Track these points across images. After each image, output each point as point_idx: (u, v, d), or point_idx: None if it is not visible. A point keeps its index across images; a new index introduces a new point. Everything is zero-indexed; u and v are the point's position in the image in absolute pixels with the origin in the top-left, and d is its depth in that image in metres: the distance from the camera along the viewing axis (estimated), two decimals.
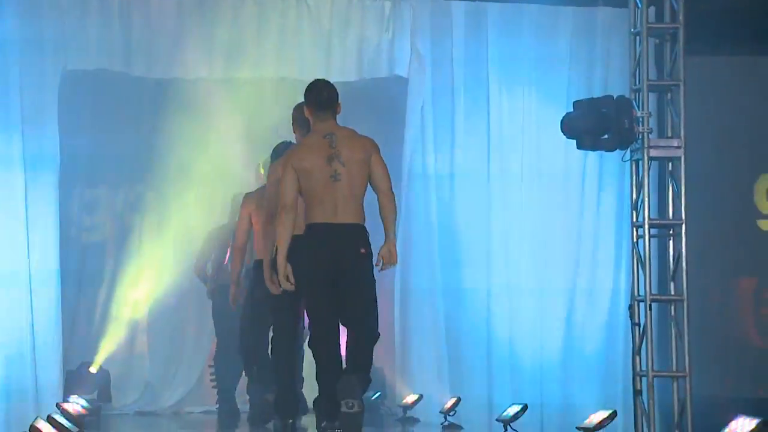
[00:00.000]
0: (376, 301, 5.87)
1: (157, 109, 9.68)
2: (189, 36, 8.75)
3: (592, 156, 8.36)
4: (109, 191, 9.96)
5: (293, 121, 6.69)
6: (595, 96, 7.90)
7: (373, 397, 9.35)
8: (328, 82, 6.01)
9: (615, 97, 7.60)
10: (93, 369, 9.06)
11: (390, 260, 5.80)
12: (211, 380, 8.81)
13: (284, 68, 8.99)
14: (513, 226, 8.60)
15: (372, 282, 5.87)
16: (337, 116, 5.86)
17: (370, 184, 5.86)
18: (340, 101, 5.96)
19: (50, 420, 4.95)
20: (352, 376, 5.72)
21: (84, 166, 9.59)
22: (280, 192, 5.94)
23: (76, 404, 7.16)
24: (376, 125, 10.21)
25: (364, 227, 5.88)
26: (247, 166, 9.39)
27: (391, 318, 8.76)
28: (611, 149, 7.66)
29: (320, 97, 5.95)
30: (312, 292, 5.87)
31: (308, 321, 6.12)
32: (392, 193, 5.87)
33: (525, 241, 8.57)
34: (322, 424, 5.99)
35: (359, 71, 8.94)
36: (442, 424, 7.45)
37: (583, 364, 8.37)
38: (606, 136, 7.57)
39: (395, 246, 5.81)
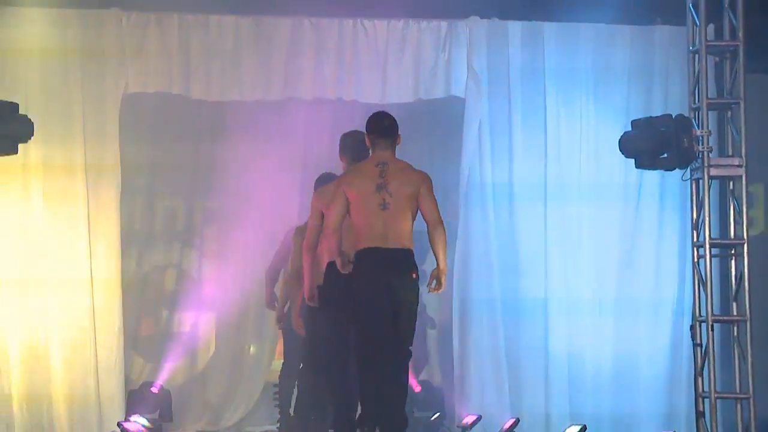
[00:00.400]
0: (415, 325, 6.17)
1: (215, 131, 9.76)
2: (247, 59, 8.80)
3: (653, 173, 8.25)
4: (169, 212, 10.02)
5: (340, 149, 6.86)
6: (653, 114, 7.85)
7: (432, 418, 9.33)
8: (390, 114, 6.30)
9: (674, 116, 7.54)
10: (155, 389, 9.12)
11: (438, 286, 6.12)
12: (274, 398, 8.80)
13: (341, 90, 9.01)
14: (571, 242, 8.50)
15: (417, 307, 6.16)
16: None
17: (422, 215, 6.14)
18: (399, 134, 6.25)
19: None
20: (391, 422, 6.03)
21: (144, 184, 9.68)
22: (328, 215, 6.21)
23: (137, 423, 7.19)
24: (433, 146, 10.24)
25: (412, 252, 6.15)
26: (304, 188, 9.45)
27: (450, 336, 8.73)
28: (671, 168, 7.60)
29: (381, 124, 6.26)
30: (363, 314, 6.09)
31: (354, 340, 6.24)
32: (441, 224, 6.15)
33: (584, 255, 8.46)
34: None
35: (416, 92, 8.94)
36: None
37: (645, 384, 8.21)
38: (665, 155, 7.51)
39: (445, 273, 6.11)
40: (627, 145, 7.68)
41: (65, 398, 8.18)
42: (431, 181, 6.26)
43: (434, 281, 6.12)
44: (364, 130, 6.41)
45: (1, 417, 7.75)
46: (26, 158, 8.09)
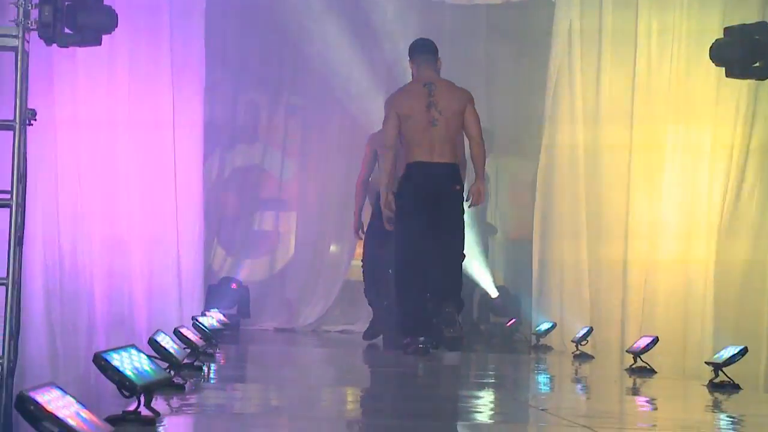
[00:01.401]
0: (464, 231, 6.83)
1: (300, 23, 9.70)
2: None
3: (746, 85, 7.95)
4: (252, 107, 10.03)
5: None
6: (748, 23, 7.56)
7: (508, 324, 9.33)
8: (430, 39, 6.99)
9: None
10: (234, 284, 9.23)
11: (478, 198, 6.78)
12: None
13: None
14: (656, 160, 8.27)
15: (461, 214, 6.80)
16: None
17: (464, 131, 6.80)
18: (440, 57, 6.93)
19: (176, 333, 5.03)
20: (449, 303, 6.61)
21: (230, 77, 9.67)
22: (384, 133, 6.91)
23: (212, 318, 7.28)
24: (521, 49, 10.08)
25: (458, 167, 6.82)
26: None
27: (529, 247, 8.66)
28: (763, 77, 7.32)
29: (425, 47, 6.94)
30: (409, 220, 6.73)
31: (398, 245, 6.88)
32: (482, 140, 6.79)
33: (667, 176, 8.23)
34: (406, 341, 6.79)
35: None
36: (573, 353, 7.36)
37: (724, 300, 8.00)
38: (758, 64, 7.24)
39: (484, 185, 6.79)
40: (718, 53, 7.41)
41: (145, 291, 8.27)
42: (473, 99, 6.86)
43: (471, 196, 6.76)
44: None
45: (82, 311, 7.86)
46: (111, 50, 8.08)
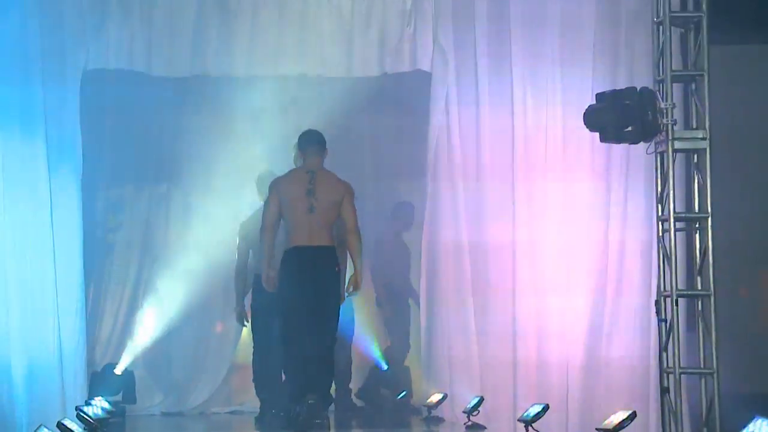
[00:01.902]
0: (338, 312, 7.33)
1: (179, 107, 9.63)
2: (209, 34, 8.64)
3: (619, 148, 8.08)
4: (132, 190, 9.91)
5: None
6: (620, 87, 7.69)
7: (399, 397, 9.24)
8: (319, 132, 7.54)
9: (639, 89, 7.38)
10: (117, 370, 8.99)
11: (357, 287, 7.29)
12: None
13: (305, 64, 8.86)
14: (538, 219, 8.31)
15: (338, 295, 7.35)
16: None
17: (342, 221, 7.29)
18: (327, 148, 7.48)
19: (59, 426, 4.83)
20: (313, 395, 7.09)
21: (107, 165, 9.58)
22: (265, 213, 7.33)
23: (97, 406, 7.05)
24: (398, 120, 10.11)
25: (335, 249, 7.30)
26: (270, 163, 9.33)
27: (417, 315, 8.60)
28: (635, 141, 7.45)
29: (313, 139, 7.47)
30: (289, 302, 7.18)
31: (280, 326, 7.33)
32: (358, 231, 7.31)
33: (550, 236, 8.27)
34: (296, 408, 7.15)
35: (381, 66, 8.79)
36: (465, 423, 7.29)
37: (612, 363, 8.02)
38: (630, 129, 7.37)
39: (361, 276, 7.29)
40: (591, 118, 7.53)
41: (26, 380, 7.98)
42: (353, 191, 7.39)
43: (351, 285, 7.26)
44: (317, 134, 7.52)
45: None
46: None
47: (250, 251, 8.57)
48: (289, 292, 7.19)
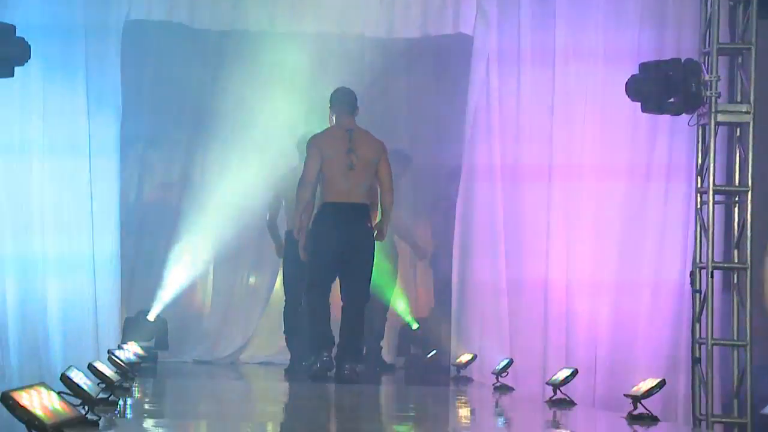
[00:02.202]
0: (371, 270, 7.41)
1: (219, 61, 9.61)
2: None
3: (660, 119, 7.99)
4: (170, 143, 9.91)
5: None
6: (665, 58, 7.64)
7: (429, 356, 9.26)
8: (351, 90, 7.60)
9: (683, 60, 7.35)
10: (151, 317, 9.05)
11: (381, 236, 7.43)
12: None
13: (347, 24, 8.84)
14: (574, 182, 8.25)
15: (371, 251, 7.40)
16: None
17: (377, 179, 7.40)
18: (359, 107, 7.54)
19: (90, 367, 4.88)
20: (347, 361, 7.24)
21: (146, 116, 9.56)
22: (305, 169, 7.39)
23: (129, 351, 7.11)
24: (440, 83, 10.07)
25: (369, 207, 7.41)
26: (308, 121, 9.32)
27: (449, 276, 8.59)
28: (677, 113, 7.43)
29: (346, 99, 7.50)
30: (321, 253, 7.32)
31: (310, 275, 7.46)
32: (392, 189, 7.45)
33: (585, 198, 8.22)
34: (311, 359, 7.47)
35: (423, 28, 8.73)
36: (493, 384, 7.32)
37: (645, 332, 8.00)
38: (672, 100, 7.34)
39: (387, 227, 7.46)
40: (633, 88, 7.51)
41: (60, 324, 8.06)
42: (387, 150, 7.51)
43: (375, 232, 7.38)
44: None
45: None
46: (24, 82, 7.90)
47: (282, 203, 8.62)
48: (320, 246, 7.32)
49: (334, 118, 7.54)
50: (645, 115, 7.73)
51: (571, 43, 8.34)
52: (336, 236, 7.27)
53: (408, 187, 9.82)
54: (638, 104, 7.57)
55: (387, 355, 9.43)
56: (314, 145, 7.41)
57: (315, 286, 7.39)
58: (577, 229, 8.15)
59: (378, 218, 7.53)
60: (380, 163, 7.40)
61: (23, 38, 7.20)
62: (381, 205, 7.47)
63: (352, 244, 7.29)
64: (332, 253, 7.30)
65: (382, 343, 9.23)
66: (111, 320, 8.24)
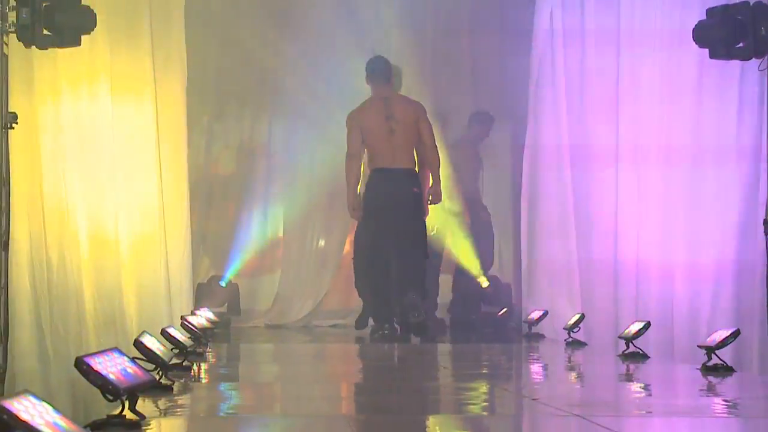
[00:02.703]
0: (424, 230, 7.82)
1: (284, 23, 9.63)
2: None
3: (731, 66, 7.82)
4: (236, 107, 9.97)
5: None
6: (731, 3, 7.48)
7: (500, 313, 9.25)
8: (384, 58, 8.01)
9: (751, 3, 7.19)
10: (223, 282, 9.14)
11: (437, 198, 7.75)
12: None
13: None
14: (643, 137, 8.14)
15: (421, 214, 7.75)
16: None
17: (420, 138, 7.67)
18: (396, 74, 8.00)
19: (163, 333, 4.94)
20: (412, 291, 7.48)
21: (211, 81, 9.61)
22: (348, 144, 7.70)
23: (202, 317, 7.19)
24: (502, 34, 9.97)
25: (415, 171, 7.70)
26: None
27: (519, 233, 8.56)
28: (746, 58, 7.27)
29: (379, 68, 7.86)
30: (373, 220, 7.68)
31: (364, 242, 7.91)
32: (435, 147, 7.72)
33: (655, 155, 8.11)
34: (372, 326, 7.86)
35: None
36: (565, 340, 7.29)
37: (718, 283, 7.88)
38: (741, 45, 7.20)
39: (440, 187, 7.72)
40: (701, 34, 7.37)
41: (135, 291, 8.15)
42: (425, 110, 7.75)
43: (431, 196, 7.71)
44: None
45: (71, 312, 7.76)
46: (92, 50, 7.96)
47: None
48: (373, 212, 7.71)
49: (371, 87, 7.89)
50: (712, 93, 7.60)
51: (637, 17, 8.19)
52: (385, 202, 7.62)
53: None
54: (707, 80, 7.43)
55: (446, 313, 9.43)
56: (352, 119, 7.74)
57: (373, 259, 7.74)
58: (647, 182, 8.04)
59: (430, 181, 7.76)
60: (420, 123, 7.70)
61: (88, 6, 7.24)
62: (428, 166, 7.75)
63: (400, 210, 7.61)
64: (385, 219, 7.63)
65: (438, 300, 9.23)
66: (183, 286, 8.32)
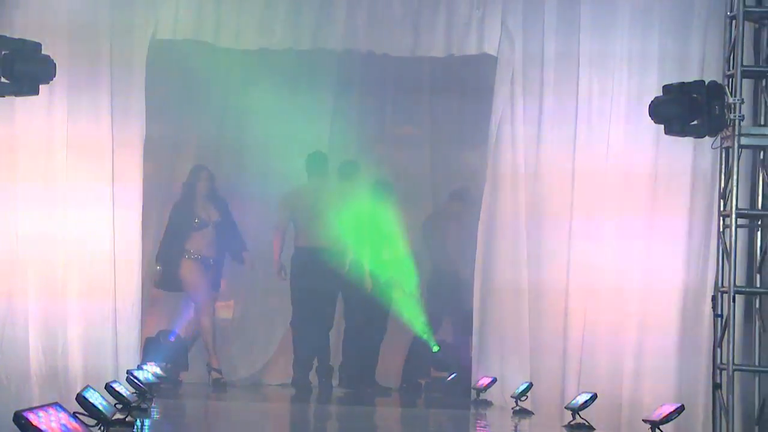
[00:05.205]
0: None
1: (244, 80, 9.78)
2: (277, 6, 8.77)
3: (684, 142, 8.06)
4: (193, 158, 10.07)
5: None
6: (686, 81, 7.71)
7: (449, 378, 9.37)
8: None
9: (707, 83, 7.43)
10: (171, 338, 9.19)
11: None
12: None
13: (372, 42, 8.97)
14: (597, 208, 8.34)
15: None
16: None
17: None
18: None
19: (107, 388, 5.01)
20: None
21: (170, 136, 9.75)
22: None
23: (148, 371, 7.26)
24: (463, 103, 10.24)
25: None
26: (332, 138, 9.54)
27: (470, 300, 8.71)
28: (701, 135, 7.48)
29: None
30: None
31: None
32: None
33: (608, 228, 8.29)
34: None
35: (447, 48, 8.86)
36: (512, 408, 7.41)
37: (664, 356, 8.05)
38: (696, 122, 7.41)
39: None
40: (657, 111, 7.57)
41: (81, 344, 8.18)
42: None
43: None
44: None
45: (17, 359, 7.79)
46: (50, 101, 8.06)
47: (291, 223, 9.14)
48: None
49: None
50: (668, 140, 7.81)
51: (595, 64, 8.44)
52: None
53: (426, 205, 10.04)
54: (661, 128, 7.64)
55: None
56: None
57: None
58: (599, 261, 8.21)
59: None
60: None
61: (48, 56, 7.36)
62: None
63: None
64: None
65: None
66: (131, 339, 8.34)
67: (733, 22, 7.40)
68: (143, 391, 6.34)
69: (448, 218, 9.96)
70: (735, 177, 7.28)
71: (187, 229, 9.33)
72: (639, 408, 7.48)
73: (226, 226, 9.45)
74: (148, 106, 8.45)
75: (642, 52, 8.36)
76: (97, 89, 8.26)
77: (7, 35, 7.24)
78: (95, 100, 8.30)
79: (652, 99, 7.58)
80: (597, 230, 8.26)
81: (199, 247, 9.32)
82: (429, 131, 10.55)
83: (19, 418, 3.23)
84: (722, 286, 7.26)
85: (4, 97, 7.21)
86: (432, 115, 10.51)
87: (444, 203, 10.10)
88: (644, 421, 5.77)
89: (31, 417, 3.26)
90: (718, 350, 7.21)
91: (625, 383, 7.90)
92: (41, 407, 3.43)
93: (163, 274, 9.36)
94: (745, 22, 7.41)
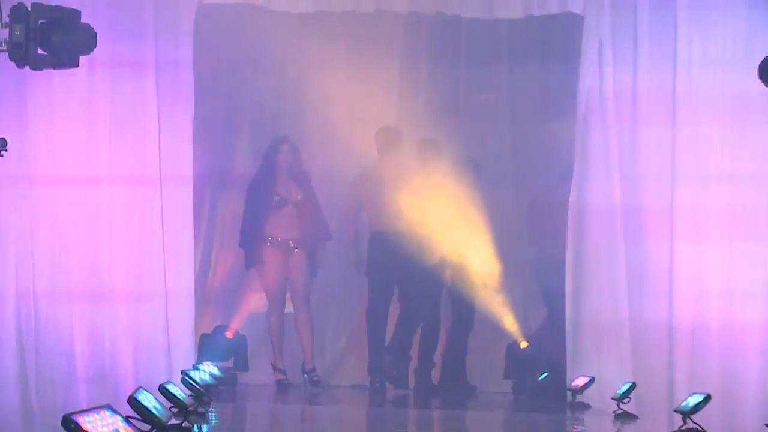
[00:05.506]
0: None
1: (300, 47, 9.62)
2: None
3: None
4: (247, 139, 9.94)
5: None
6: None
7: (540, 378, 9.12)
8: None
9: None
10: (229, 334, 9.06)
11: None
12: None
13: (442, 2, 8.77)
14: (699, 180, 8.08)
15: None
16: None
17: None
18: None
19: (161, 390, 4.86)
20: None
21: (220, 108, 9.60)
22: None
23: (205, 372, 7.11)
24: (546, 68, 9.96)
25: None
26: (400, 109, 9.34)
27: (562, 290, 8.46)
28: None
29: None
30: None
31: None
32: None
33: (712, 198, 8.03)
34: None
35: (527, 7, 8.59)
36: (614, 412, 7.17)
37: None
38: None
39: None
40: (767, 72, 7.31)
41: (130, 341, 8.06)
42: None
43: None
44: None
45: (60, 363, 7.72)
46: (90, 71, 7.93)
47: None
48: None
49: None
50: None
51: (694, 22, 8.16)
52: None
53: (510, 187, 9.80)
54: None
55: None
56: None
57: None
58: (705, 237, 7.96)
59: None
60: None
61: (89, 25, 7.21)
62: None
63: None
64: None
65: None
66: (184, 337, 8.20)
67: None
68: (199, 393, 6.19)
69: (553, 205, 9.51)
70: None
71: (265, 208, 9.10)
72: (764, 410, 7.21)
73: (310, 207, 9.22)
74: (197, 79, 8.28)
75: (745, 12, 8.06)
76: (142, 56, 8.10)
77: (44, 2, 7.11)
78: (140, 74, 8.15)
79: (763, 59, 7.29)
80: (702, 209, 8.01)
81: (279, 230, 9.10)
82: (508, 102, 10.29)
83: (68, 422, 3.11)
84: None
85: (41, 69, 7.06)
86: (512, 84, 10.24)
87: (551, 185, 9.66)
88: (767, 425, 5.49)
89: (81, 420, 3.13)
90: None
91: (744, 381, 7.62)
92: (91, 410, 3.30)
93: (249, 257, 9.18)
94: None
